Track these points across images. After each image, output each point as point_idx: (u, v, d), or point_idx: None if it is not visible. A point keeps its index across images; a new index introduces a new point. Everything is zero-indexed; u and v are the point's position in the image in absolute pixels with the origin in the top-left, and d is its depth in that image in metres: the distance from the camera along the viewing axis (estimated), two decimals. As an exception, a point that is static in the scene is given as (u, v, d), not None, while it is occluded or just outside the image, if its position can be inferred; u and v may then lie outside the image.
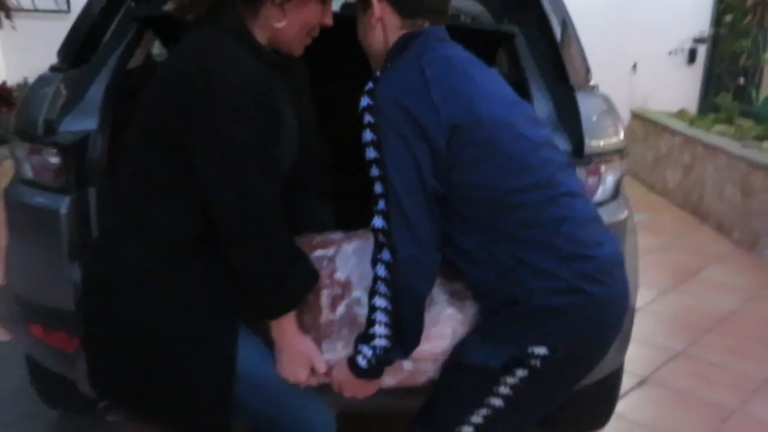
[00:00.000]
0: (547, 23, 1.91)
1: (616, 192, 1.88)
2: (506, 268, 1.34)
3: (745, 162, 4.59)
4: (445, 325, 1.45)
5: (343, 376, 1.43)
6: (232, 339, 1.41)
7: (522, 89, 1.89)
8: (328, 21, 1.45)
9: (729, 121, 5.71)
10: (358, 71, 1.57)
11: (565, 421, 2.35)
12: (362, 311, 1.44)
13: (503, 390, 1.38)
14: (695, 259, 4.41)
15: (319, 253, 1.51)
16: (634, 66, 7.29)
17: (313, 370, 1.45)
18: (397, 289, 1.33)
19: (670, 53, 7.07)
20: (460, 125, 1.31)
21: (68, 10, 7.04)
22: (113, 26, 2.05)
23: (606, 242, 1.41)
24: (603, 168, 1.80)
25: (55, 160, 1.81)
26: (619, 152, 1.86)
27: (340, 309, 1.48)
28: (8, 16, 5.33)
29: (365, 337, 1.38)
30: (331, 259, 1.51)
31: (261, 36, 1.41)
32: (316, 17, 1.43)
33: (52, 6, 6.96)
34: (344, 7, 2.20)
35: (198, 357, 1.39)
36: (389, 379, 1.49)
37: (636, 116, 6.64)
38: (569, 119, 1.79)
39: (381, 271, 1.33)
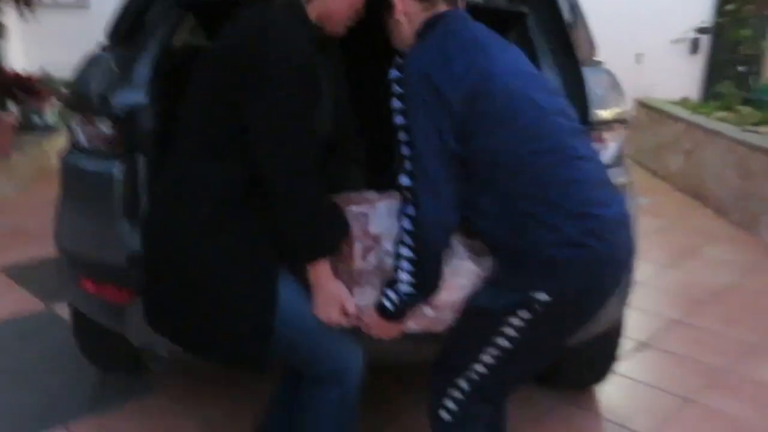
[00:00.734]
0: (556, 4, 2.08)
1: (619, 159, 2.05)
2: (518, 224, 1.50)
3: (744, 146, 4.76)
4: (464, 276, 1.62)
5: (371, 319, 1.62)
6: (273, 280, 1.59)
7: (532, 64, 2.07)
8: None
9: (729, 108, 5.87)
10: (385, 54, 1.75)
11: (567, 375, 2.54)
12: (391, 262, 1.61)
13: (509, 331, 1.53)
14: (695, 238, 4.58)
15: (354, 209, 1.70)
16: (638, 56, 7.44)
17: (344, 312, 1.63)
18: (419, 240, 1.50)
19: (673, 42, 7.21)
20: (478, 96, 1.48)
21: (87, 4, 7.24)
22: (157, 10, 2.23)
23: (613, 204, 1.56)
24: (606, 135, 1.98)
25: (107, 130, 2.00)
26: (622, 121, 2.03)
27: (371, 259, 1.65)
28: (29, 7, 5.50)
29: (391, 283, 1.57)
30: (365, 215, 1.69)
31: (311, 13, 1.59)
32: None
33: (72, 0, 7.16)
34: None
35: (243, 295, 1.58)
36: (413, 324, 1.67)
37: (640, 104, 6.80)
38: (575, 91, 1.96)
39: (406, 224, 1.52)
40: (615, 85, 2.07)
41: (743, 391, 2.70)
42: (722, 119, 5.54)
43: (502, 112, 1.50)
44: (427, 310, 1.65)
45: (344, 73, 1.96)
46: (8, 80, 5.82)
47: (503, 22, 2.17)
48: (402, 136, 1.50)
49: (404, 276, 1.54)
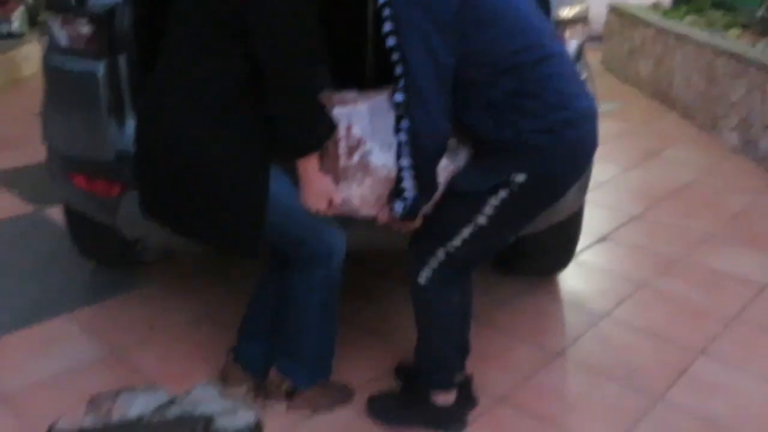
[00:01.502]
0: None
1: (579, 55, 2.17)
2: (502, 115, 1.66)
3: (710, 49, 4.87)
4: (440, 175, 1.77)
5: (388, 220, 1.80)
6: (267, 171, 1.73)
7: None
8: None
9: (700, 11, 5.93)
10: None
11: (530, 262, 2.75)
12: (372, 159, 1.77)
13: (488, 210, 1.73)
14: (660, 141, 4.77)
15: (337, 110, 1.80)
16: (614, -40, 7.37)
17: (330, 203, 1.79)
18: (417, 149, 1.67)
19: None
20: (464, 5, 1.60)
21: None
22: None
23: (585, 98, 1.75)
24: (567, 33, 2.09)
25: (87, 29, 2.05)
26: (582, 20, 2.14)
27: (355, 157, 1.79)
28: None
29: (397, 192, 1.74)
30: (348, 115, 1.80)
31: None
32: None
33: None
34: None
35: (239, 183, 1.71)
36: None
37: (613, 10, 6.82)
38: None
39: (402, 137, 1.67)
40: (576, -16, 2.16)
41: (694, 276, 2.94)
42: (693, 23, 5.62)
43: (486, 17, 1.63)
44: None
45: None
46: (-28, -13, 5.67)
47: None
48: (394, 56, 1.62)
49: (407, 183, 1.71)
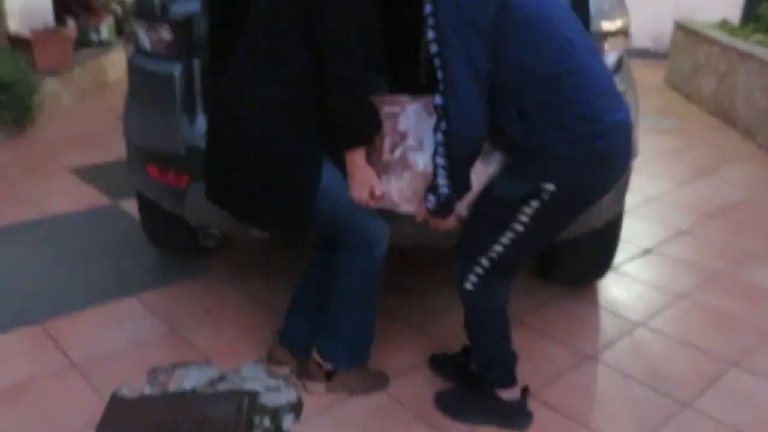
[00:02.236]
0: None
1: (619, 66, 2.27)
2: (532, 122, 1.77)
3: (774, 68, 4.81)
4: (472, 172, 1.89)
5: (425, 214, 1.93)
6: (320, 160, 1.91)
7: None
8: None
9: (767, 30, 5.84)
10: None
11: (566, 268, 2.83)
12: (413, 155, 1.92)
13: (523, 218, 1.84)
14: (717, 158, 4.74)
15: (387, 109, 1.97)
16: (682, -22, 7.34)
17: (372, 194, 1.95)
18: (452, 150, 1.78)
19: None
20: (503, 15, 1.71)
21: None
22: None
23: (619, 111, 1.82)
24: (606, 45, 2.19)
25: (167, 35, 2.30)
26: (623, 33, 2.24)
27: (397, 152, 1.94)
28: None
29: (432, 187, 1.86)
30: (396, 115, 1.97)
31: None
32: None
33: None
34: None
35: (294, 170, 1.90)
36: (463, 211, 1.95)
37: (679, 27, 6.76)
38: (578, 3, 2.17)
39: (439, 137, 1.79)
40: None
41: (735, 291, 2.96)
42: (759, 42, 5.54)
43: (522, 27, 1.74)
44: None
45: None
46: (66, -3, 6.13)
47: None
48: (436, 62, 1.74)
49: (441, 180, 1.83)
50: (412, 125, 1.95)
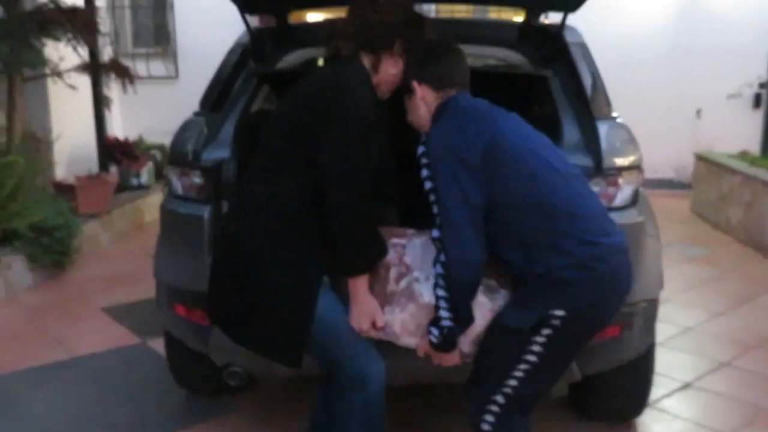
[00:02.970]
0: (575, 69, 2.41)
1: (635, 199, 2.31)
2: (533, 252, 1.80)
3: (800, 196, 4.81)
4: (476, 308, 1.90)
5: (428, 349, 1.92)
6: (315, 289, 1.92)
7: (554, 119, 2.39)
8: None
9: (789, 160, 5.91)
10: None
11: (599, 405, 2.72)
12: (418, 287, 1.94)
13: (535, 347, 1.82)
14: (751, 288, 4.63)
15: (395, 240, 2.03)
16: (698, 112, 7.58)
17: (373, 324, 1.94)
18: (451, 281, 1.81)
19: (728, 97, 7.32)
20: (490, 152, 1.82)
21: (176, 76, 8.06)
22: (239, 82, 2.69)
23: (614, 234, 1.87)
24: (620, 180, 2.25)
25: (198, 180, 2.43)
26: (635, 168, 2.30)
27: (402, 283, 1.97)
28: (132, 82, 6.23)
29: (434, 320, 1.87)
30: (403, 246, 2.02)
31: (373, 79, 2.01)
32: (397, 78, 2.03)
33: (164, 73, 7.99)
34: None
35: (288, 299, 1.91)
36: (467, 349, 1.93)
37: (699, 158, 6.89)
38: (591, 142, 2.26)
39: (439, 268, 1.83)
40: (629, 137, 2.35)
41: (784, 429, 2.79)
42: (781, 171, 5.60)
43: (510, 162, 1.84)
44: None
45: (386, 126, 2.32)
46: (110, 145, 6.55)
47: (528, 84, 2.51)
48: (431, 197, 1.84)
49: (443, 313, 1.84)
50: (418, 257, 1.99)
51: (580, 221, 1.81)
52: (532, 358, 1.82)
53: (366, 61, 2.00)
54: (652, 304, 2.38)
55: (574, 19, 2.60)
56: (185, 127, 2.55)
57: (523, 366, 1.84)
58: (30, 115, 5.69)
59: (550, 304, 1.78)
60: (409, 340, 1.95)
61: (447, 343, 1.86)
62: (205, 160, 2.44)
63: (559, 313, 1.77)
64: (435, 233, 1.82)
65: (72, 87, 5.76)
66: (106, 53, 6.66)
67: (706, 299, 4.37)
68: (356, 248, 1.89)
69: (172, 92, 7.73)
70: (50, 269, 4.75)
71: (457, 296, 1.81)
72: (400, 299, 1.95)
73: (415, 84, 1.97)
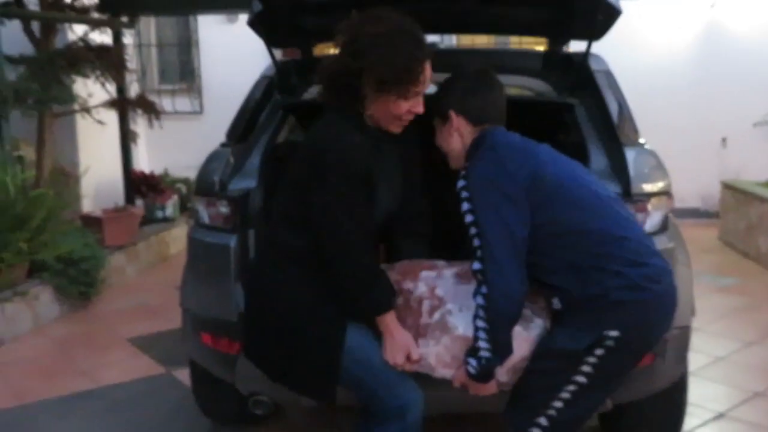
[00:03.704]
0: (601, 96, 2.41)
1: (664, 225, 2.29)
2: (586, 275, 1.81)
3: (831, 223, 4.72)
4: (512, 338, 1.87)
5: (464, 380, 1.91)
6: (341, 328, 1.93)
7: (581, 147, 2.38)
8: (418, 110, 1.95)
9: (818, 187, 5.81)
10: None
11: (634, 434, 2.65)
12: (452, 319, 1.93)
13: (586, 368, 1.81)
14: (784, 317, 4.53)
15: (425, 273, 2.02)
16: (724, 140, 7.51)
17: (409, 358, 1.93)
18: (491, 312, 1.81)
19: (755, 125, 7.25)
20: (532, 183, 1.84)
21: (201, 111, 8.20)
22: (265, 113, 2.73)
23: (658, 255, 1.89)
24: (649, 206, 2.23)
25: (225, 209, 2.45)
26: (665, 193, 2.28)
27: (436, 316, 1.96)
28: (158, 118, 6.34)
29: (472, 350, 1.87)
30: (434, 279, 2.02)
31: (368, 120, 1.98)
32: (400, 109, 1.94)
33: (189, 109, 8.14)
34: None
35: (315, 339, 1.93)
36: (505, 378, 1.91)
37: (726, 187, 6.80)
38: (619, 168, 2.25)
39: (480, 300, 1.83)
40: (658, 163, 2.34)
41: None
42: (811, 199, 5.51)
43: (554, 192, 1.86)
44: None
45: (418, 159, 2.32)
46: (136, 179, 6.65)
47: (555, 113, 2.51)
48: (472, 230, 1.85)
49: (482, 344, 1.84)
50: (449, 289, 1.98)
51: (629, 243, 1.82)
52: (581, 379, 1.82)
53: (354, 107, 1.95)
54: (685, 332, 2.33)
55: (597, 48, 2.61)
56: (212, 158, 2.58)
57: (571, 387, 1.83)
58: (59, 149, 5.82)
59: (604, 325, 1.79)
60: (444, 372, 1.94)
61: (485, 373, 1.86)
62: (231, 190, 2.46)
63: (614, 333, 1.78)
64: (476, 266, 1.83)
65: (100, 122, 5.88)
66: (133, 89, 6.80)
67: (737, 329, 4.28)
68: (361, 293, 1.91)
69: (197, 127, 7.85)
70: (77, 301, 4.80)
71: (498, 328, 1.82)
72: (434, 332, 1.93)
73: (452, 114, 1.98)
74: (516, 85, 2.89)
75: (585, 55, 2.60)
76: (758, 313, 4.64)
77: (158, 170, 7.36)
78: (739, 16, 7.34)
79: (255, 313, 2.05)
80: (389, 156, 2.06)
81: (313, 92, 2.88)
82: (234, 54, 7.60)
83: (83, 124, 6.15)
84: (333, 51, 1.98)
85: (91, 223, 5.56)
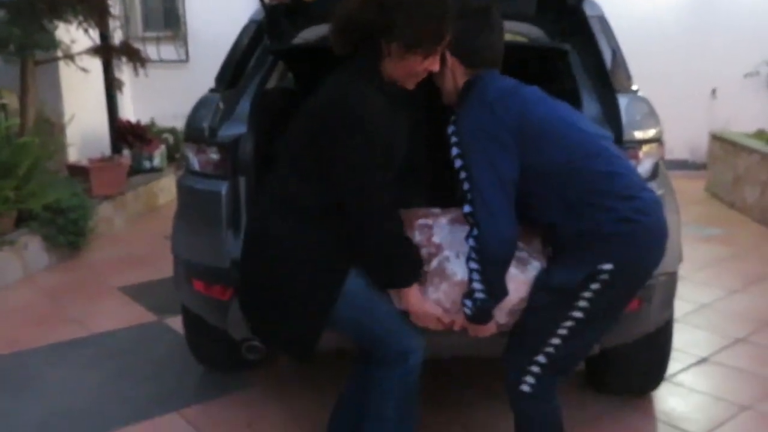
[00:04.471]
0: (595, 42, 2.38)
1: (655, 173, 2.30)
2: (577, 212, 1.83)
3: (817, 174, 4.76)
4: (510, 280, 1.90)
5: (463, 322, 1.95)
6: (339, 278, 1.91)
7: (573, 93, 2.37)
8: (435, 67, 1.91)
9: (806, 138, 5.84)
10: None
11: (618, 379, 2.72)
12: (450, 266, 1.94)
13: (582, 303, 1.84)
14: (766, 266, 4.60)
15: (421, 221, 2.03)
16: (714, 91, 7.49)
17: (439, 321, 1.95)
18: (483, 254, 1.83)
19: (746, 76, 7.23)
20: (522, 126, 1.85)
21: (187, 59, 8.05)
22: (254, 59, 2.68)
23: (647, 189, 1.91)
24: (640, 153, 2.23)
25: (216, 156, 2.43)
26: (656, 141, 2.28)
27: (434, 263, 1.96)
28: (143, 66, 6.21)
29: (467, 293, 1.89)
30: (430, 226, 2.02)
31: (384, 75, 1.91)
32: (420, 67, 1.89)
33: (175, 57, 7.98)
34: None
35: (305, 295, 1.91)
36: (503, 319, 1.95)
37: (715, 138, 6.82)
38: (611, 115, 2.24)
39: (471, 242, 1.85)
40: (650, 110, 2.33)
41: (803, 403, 2.78)
42: (798, 150, 5.54)
43: (542, 134, 1.86)
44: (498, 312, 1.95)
45: (422, 113, 2.29)
46: (123, 129, 6.56)
47: (548, 59, 2.49)
48: (462, 174, 1.86)
49: (477, 285, 1.87)
50: (446, 236, 1.99)
51: (619, 179, 1.84)
52: (578, 314, 1.85)
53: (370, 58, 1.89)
54: (672, 278, 2.37)
55: (590, -6, 2.57)
56: (201, 104, 2.54)
57: (568, 323, 1.86)
58: (42, 98, 5.70)
59: (597, 259, 1.81)
60: (446, 317, 1.96)
61: (481, 315, 1.89)
62: (221, 136, 2.43)
63: (607, 267, 1.80)
64: (467, 209, 1.84)
65: (84, 70, 5.76)
66: (117, 37, 6.65)
67: (721, 278, 4.36)
68: (389, 265, 1.88)
69: (183, 76, 7.72)
70: (66, 250, 4.79)
71: (491, 270, 1.84)
72: (433, 279, 1.95)
73: (447, 55, 1.95)
74: (508, 30, 2.84)
75: (579, 0, 2.57)
76: (742, 262, 4.72)
77: (144, 120, 7.26)
78: (734, -36, 7.25)
79: (252, 263, 2.01)
80: (400, 114, 2.00)
81: (303, 37, 2.84)
82: (221, 1, 7.44)
83: (67, 72, 6.02)
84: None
85: (78, 172, 5.51)
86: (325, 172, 1.86)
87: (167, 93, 7.41)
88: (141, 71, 6.16)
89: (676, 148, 7.36)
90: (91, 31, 5.72)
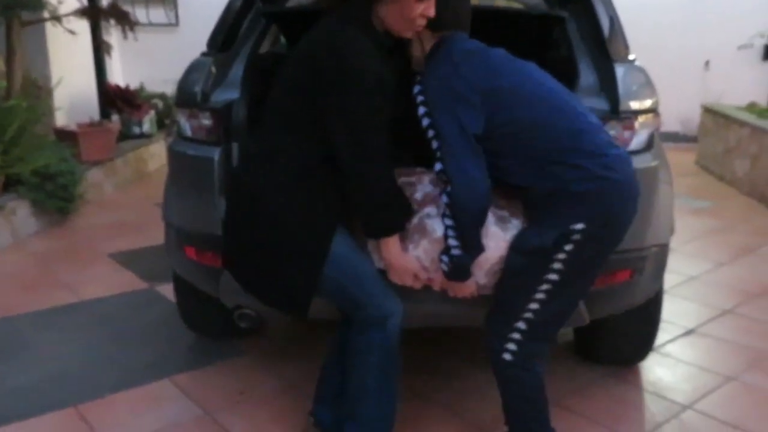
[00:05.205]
0: (593, 9, 2.35)
1: (650, 144, 2.29)
2: (545, 171, 1.83)
3: (808, 147, 4.78)
4: (490, 239, 1.92)
5: (442, 281, 1.96)
6: (328, 236, 1.91)
7: (570, 62, 2.35)
8: (430, 13, 1.88)
9: (798, 112, 5.85)
10: None
11: (607, 349, 2.75)
12: (430, 222, 1.95)
13: (557, 265, 1.84)
14: (756, 238, 4.65)
15: (404, 179, 2.03)
16: (707, 63, 7.47)
17: (415, 278, 1.96)
18: (457, 210, 1.84)
19: (739, 48, 7.21)
20: (488, 84, 1.85)
21: (177, 23, 7.91)
22: (246, 22, 2.63)
23: (615, 146, 1.90)
24: (636, 124, 2.22)
25: (208, 121, 2.39)
26: (652, 111, 2.27)
27: (414, 220, 1.97)
28: (132, 29, 6.10)
29: (444, 250, 1.90)
30: (412, 184, 2.03)
31: (376, 23, 1.90)
32: (414, 12, 1.86)
33: (164, 20, 7.85)
34: None
35: (297, 249, 1.91)
36: (483, 280, 1.96)
37: (707, 110, 6.83)
38: (608, 85, 2.22)
39: (445, 198, 1.87)
40: (647, 80, 2.30)
41: (787, 373, 2.83)
42: (790, 123, 5.55)
43: (508, 94, 1.87)
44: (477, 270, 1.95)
45: (407, 76, 2.26)
46: (112, 93, 6.47)
47: (544, 26, 2.46)
48: (430, 133, 1.87)
49: (452, 242, 1.88)
50: (428, 194, 2.00)
51: (587, 136, 1.84)
52: (553, 276, 1.84)
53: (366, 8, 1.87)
54: (663, 249, 2.38)
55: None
56: (193, 68, 2.50)
57: (544, 287, 1.86)
58: (29, 61, 5.60)
59: (568, 219, 1.81)
60: (422, 274, 1.97)
61: (459, 271, 1.90)
62: (214, 101, 2.40)
63: (579, 226, 1.80)
64: (438, 166, 1.86)
65: (71, 32, 5.65)
66: (105, -2, 6.52)
67: (710, 250, 4.39)
68: (379, 209, 1.88)
69: (173, 40, 7.61)
70: (55, 216, 4.75)
71: (465, 224, 1.85)
72: (413, 236, 1.95)
73: None
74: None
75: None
76: (730, 234, 4.76)
77: (133, 85, 7.16)
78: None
79: (238, 220, 2.00)
80: (388, 64, 1.98)
81: (297, 0, 2.78)
82: (210, -37, 7.29)
83: (54, 34, 5.91)
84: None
85: (66, 137, 5.44)
86: (317, 120, 1.84)
87: (157, 57, 7.30)
88: (130, 34, 6.06)
89: (668, 120, 7.35)
90: (78, -9, 5.61)
